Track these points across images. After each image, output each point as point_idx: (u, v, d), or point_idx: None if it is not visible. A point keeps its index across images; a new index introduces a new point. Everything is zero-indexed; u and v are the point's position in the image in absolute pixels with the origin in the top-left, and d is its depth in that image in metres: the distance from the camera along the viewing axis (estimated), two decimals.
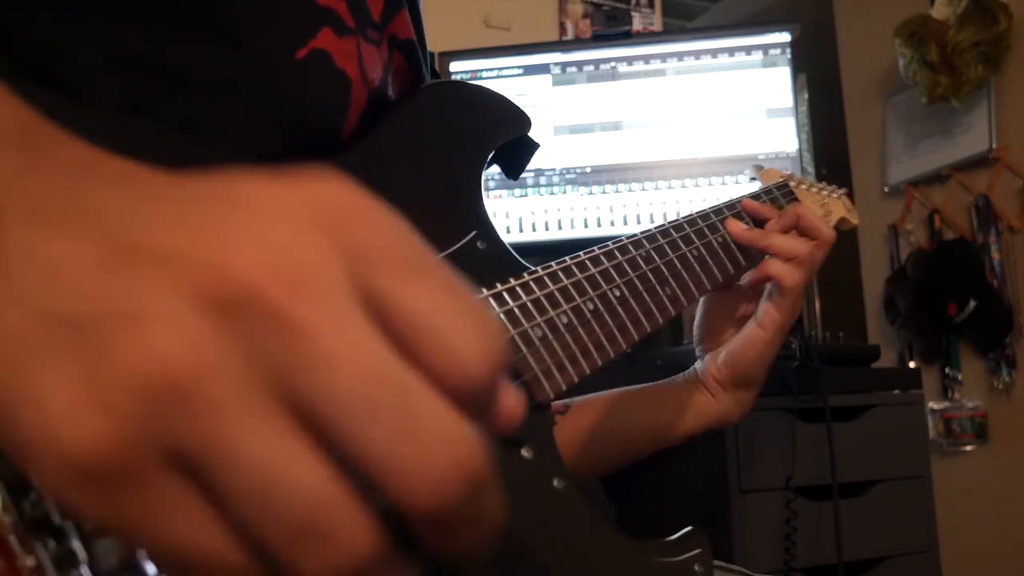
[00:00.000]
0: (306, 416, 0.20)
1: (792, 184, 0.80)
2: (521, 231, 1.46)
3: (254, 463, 0.19)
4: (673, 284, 0.62)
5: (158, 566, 0.23)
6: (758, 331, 0.72)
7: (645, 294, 0.58)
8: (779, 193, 0.78)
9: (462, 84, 0.58)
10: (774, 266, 0.70)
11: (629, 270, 0.58)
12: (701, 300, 0.76)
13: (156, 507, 0.20)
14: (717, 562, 0.57)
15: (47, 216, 0.22)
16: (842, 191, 0.87)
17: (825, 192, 0.84)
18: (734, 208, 0.72)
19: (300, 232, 0.21)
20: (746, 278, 0.72)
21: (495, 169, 0.59)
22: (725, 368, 0.73)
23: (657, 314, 0.59)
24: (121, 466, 0.19)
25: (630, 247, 0.59)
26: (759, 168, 0.82)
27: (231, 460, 0.19)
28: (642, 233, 0.62)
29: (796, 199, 0.78)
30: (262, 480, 0.19)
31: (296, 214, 0.21)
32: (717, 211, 0.70)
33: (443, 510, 0.20)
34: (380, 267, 0.22)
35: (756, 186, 0.80)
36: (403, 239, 0.22)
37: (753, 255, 0.71)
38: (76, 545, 0.27)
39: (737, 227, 0.70)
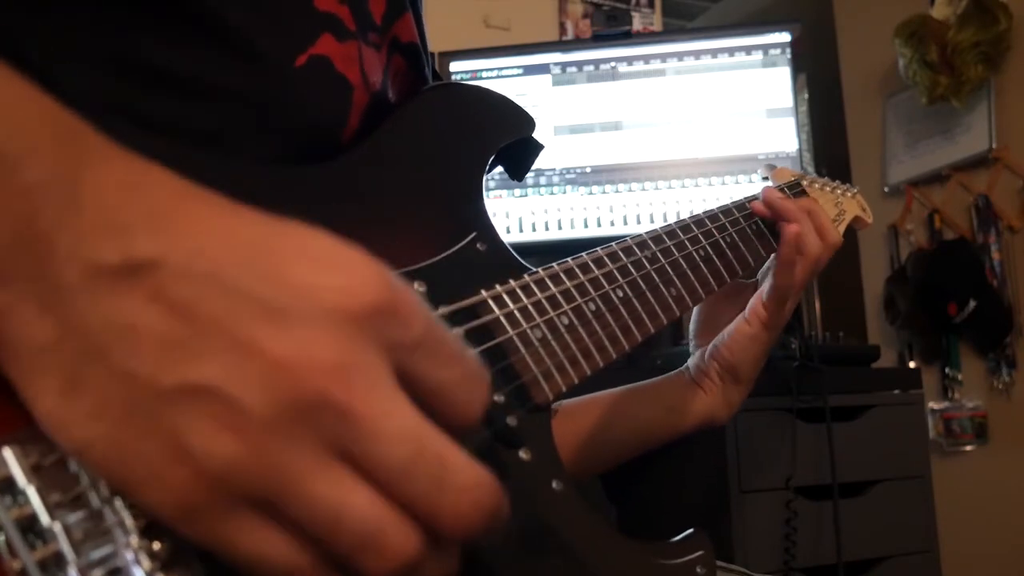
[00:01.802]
0: (365, 473, 0.27)
1: (805, 183, 0.79)
2: (521, 231, 1.46)
3: (330, 498, 0.27)
4: (678, 284, 0.61)
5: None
6: (744, 325, 0.72)
7: (649, 295, 0.58)
8: (791, 193, 0.77)
9: (463, 86, 0.57)
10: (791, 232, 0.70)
11: (633, 270, 0.58)
12: None
13: (240, 530, 0.27)
14: (718, 562, 0.57)
15: (107, 264, 0.26)
16: (855, 189, 0.86)
17: (839, 191, 0.83)
18: (743, 208, 0.71)
19: (352, 336, 0.27)
20: (775, 201, 0.71)
21: (495, 169, 0.59)
22: (712, 361, 0.73)
23: (661, 315, 0.58)
24: (206, 510, 0.26)
25: (635, 248, 0.59)
26: (771, 167, 0.81)
27: (310, 498, 0.27)
28: (647, 233, 0.61)
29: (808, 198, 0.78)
30: (334, 508, 0.27)
31: (347, 314, 0.28)
32: (725, 211, 0.70)
33: (470, 535, 0.29)
34: (412, 353, 0.29)
35: (765, 186, 0.79)
36: (426, 324, 0.29)
37: (762, 255, 0.71)
38: (64, 548, 0.27)
39: (773, 192, 0.71)
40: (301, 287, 0.27)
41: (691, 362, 0.76)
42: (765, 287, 0.71)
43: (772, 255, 0.72)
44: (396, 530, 0.27)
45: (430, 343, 0.30)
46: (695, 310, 0.77)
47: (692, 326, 0.77)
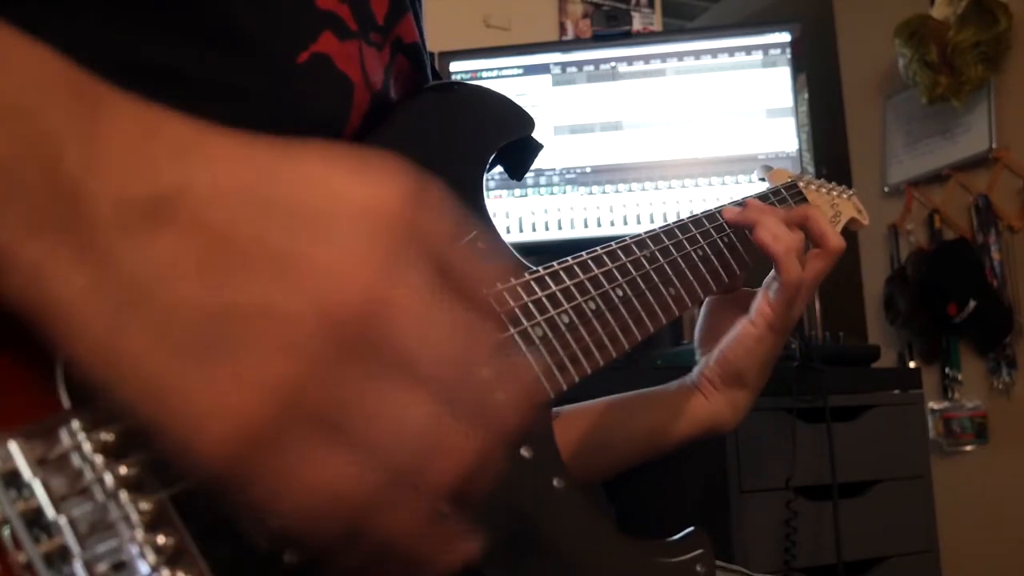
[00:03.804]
0: (422, 377, 0.27)
1: (801, 184, 0.79)
2: (521, 231, 1.46)
3: (389, 413, 0.27)
4: (677, 284, 0.61)
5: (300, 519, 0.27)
6: (748, 327, 0.70)
7: (648, 294, 0.58)
8: (788, 194, 0.77)
9: (463, 85, 0.57)
10: (781, 248, 0.67)
11: (632, 270, 0.58)
12: (704, 303, 0.75)
13: (306, 454, 0.26)
14: (717, 562, 0.57)
15: (136, 198, 0.26)
16: (851, 191, 0.86)
17: (835, 192, 0.83)
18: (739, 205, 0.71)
19: (390, 237, 0.27)
20: (732, 216, 0.69)
21: (495, 169, 0.59)
22: (716, 365, 0.72)
23: (660, 314, 0.58)
24: (269, 437, 0.25)
25: (634, 247, 0.59)
26: (768, 168, 0.81)
27: (370, 415, 0.26)
28: (647, 233, 0.61)
29: (805, 200, 0.78)
30: (395, 423, 0.27)
31: (382, 216, 0.27)
32: (721, 210, 0.70)
33: (522, 427, 0.30)
34: (440, 247, 0.29)
35: (763, 186, 0.79)
36: (450, 220, 0.30)
37: (761, 257, 0.70)
38: (70, 542, 0.27)
39: (730, 211, 0.70)
40: (332, 194, 0.27)
41: (695, 369, 0.75)
42: (772, 287, 0.71)
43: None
44: (456, 433, 0.27)
45: (454, 236, 0.30)
46: (700, 318, 0.76)
47: (697, 334, 0.76)
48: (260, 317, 0.25)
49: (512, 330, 0.47)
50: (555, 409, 0.75)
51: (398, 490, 0.27)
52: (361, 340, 0.26)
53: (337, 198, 0.27)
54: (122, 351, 0.25)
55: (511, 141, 0.57)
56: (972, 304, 2.29)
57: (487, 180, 0.55)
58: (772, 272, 0.72)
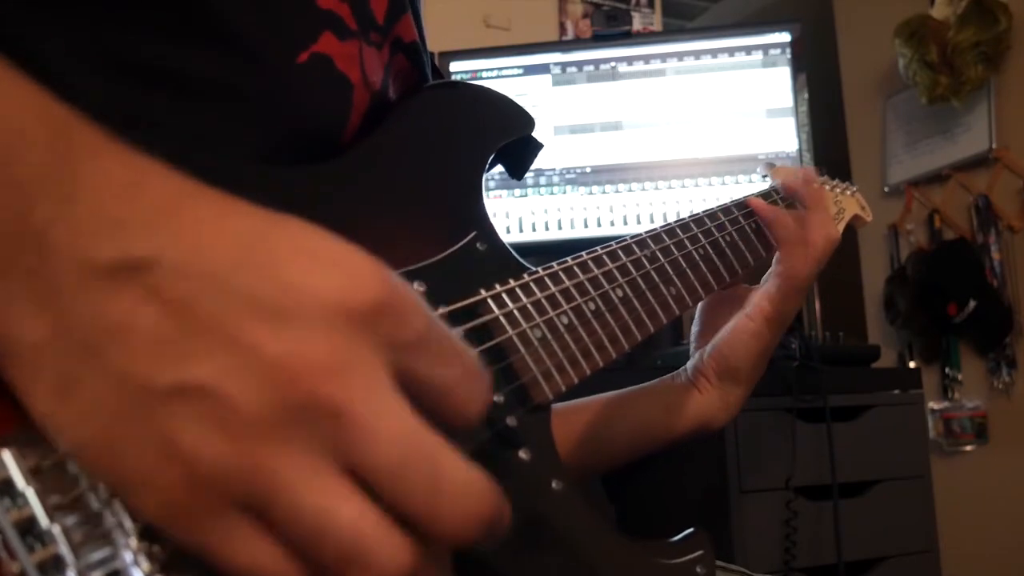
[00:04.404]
0: (358, 477, 0.27)
1: None
2: (521, 231, 1.46)
3: (315, 508, 0.26)
4: (678, 284, 0.61)
5: None
6: (745, 321, 0.70)
7: (649, 294, 0.58)
8: None
9: (463, 84, 0.57)
10: (784, 237, 0.70)
11: (633, 269, 0.57)
12: None
13: (228, 536, 0.26)
14: (717, 562, 0.57)
15: (102, 261, 0.26)
16: (855, 188, 0.86)
17: (838, 189, 0.83)
18: (743, 207, 0.71)
19: (349, 335, 0.27)
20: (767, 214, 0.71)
21: (495, 168, 0.59)
22: (711, 360, 0.71)
23: (661, 314, 0.58)
24: (195, 514, 0.26)
25: (634, 247, 0.59)
26: (771, 166, 0.81)
27: (296, 508, 0.26)
28: (647, 232, 0.61)
29: None
30: (319, 519, 0.26)
31: (344, 313, 0.27)
32: (725, 210, 0.70)
33: (465, 541, 0.28)
34: (411, 352, 0.29)
35: (766, 184, 0.79)
36: (426, 325, 0.29)
37: (762, 255, 0.70)
38: (64, 551, 0.26)
39: (759, 202, 0.72)
40: (298, 286, 0.27)
41: (689, 364, 0.75)
42: (770, 281, 0.71)
43: (773, 253, 0.72)
44: (384, 544, 0.27)
45: (430, 341, 0.29)
46: (696, 315, 0.76)
47: (693, 331, 0.76)
48: (201, 394, 0.26)
49: (511, 332, 0.47)
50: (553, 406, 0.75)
51: None
52: (303, 435, 0.26)
53: (302, 287, 0.27)
54: (66, 407, 0.26)
55: (511, 140, 0.57)
56: (972, 304, 2.29)
57: (487, 180, 0.55)
58: (770, 268, 0.72)
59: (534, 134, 0.59)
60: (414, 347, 0.29)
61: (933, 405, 2.43)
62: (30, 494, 0.27)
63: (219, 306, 0.26)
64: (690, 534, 0.54)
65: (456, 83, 0.57)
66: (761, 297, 0.70)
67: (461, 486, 0.28)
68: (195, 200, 0.28)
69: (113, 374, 0.26)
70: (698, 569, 0.52)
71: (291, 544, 0.26)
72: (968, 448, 2.39)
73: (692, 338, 0.76)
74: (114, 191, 0.27)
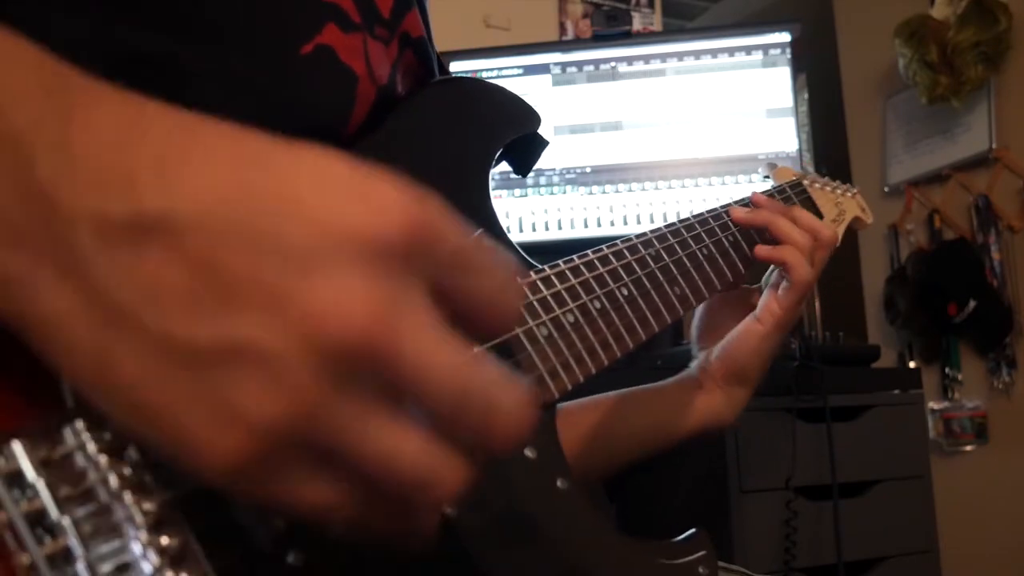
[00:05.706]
0: (417, 410, 0.27)
1: (806, 183, 0.79)
2: (521, 231, 1.46)
3: (379, 451, 0.26)
4: (682, 283, 0.61)
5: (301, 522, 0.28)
6: (755, 324, 0.71)
7: (653, 293, 0.58)
8: (792, 192, 0.77)
9: (470, 80, 0.57)
10: (789, 253, 0.69)
11: (638, 268, 0.58)
12: None
13: (296, 484, 0.27)
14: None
15: (115, 216, 0.25)
16: (855, 190, 0.86)
17: (839, 191, 0.83)
18: (746, 205, 0.72)
19: (383, 270, 0.26)
20: (760, 252, 0.70)
21: (499, 165, 0.59)
22: (719, 362, 0.72)
23: (665, 313, 0.58)
24: (262, 470, 0.26)
25: (639, 246, 0.59)
26: (772, 166, 0.81)
27: (360, 453, 0.26)
28: (651, 231, 0.61)
29: (809, 198, 0.78)
30: (385, 460, 0.27)
31: (375, 247, 0.26)
32: (728, 209, 0.70)
33: (514, 450, 0.28)
34: (448, 271, 0.29)
35: (768, 185, 0.79)
36: (456, 239, 0.29)
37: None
38: (73, 543, 0.26)
39: (738, 211, 0.70)
40: (324, 224, 0.26)
41: (694, 365, 0.75)
42: (781, 286, 0.71)
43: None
44: (447, 468, 0.27)
45: (463, 257, 0.29)
46: (697, 314, 0.76)
47: (694, 330, 0.77)
48: (250, 354, 0.25)
49: (517, 329, 0.47)
50: (559, 406, 0.75)
51: (389, 509, 0.28)
52: (355, 376, 0.26)
53: (329, 225, 0.26)
54: (113, 375, 0.25)
55: (517, 137, 0.57)
56: (972, 304, 2.29)
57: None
58: (776, 270, 0.72)
59: (540, 131, 0.59)
60: (449, 266, 0.29)
61: (933, 405, 2.43)
62: (40, 486, 0.27)
63: (246, 258, 0.25)
64: (692, 534, 0.54)
65: (463, 78, 0.57)
66: (772, 301, 0.71)
67: (512, 404, 0.28)
68: (200, 136, 0.27)
69: (153, 338, 0.25)
70: (701, 569, 0.52)
71: (359, 480, 0.27)
72: (968, 448, 2.39)
73: (694, 336, 0.77)
74: (113, 135, 0.26)
